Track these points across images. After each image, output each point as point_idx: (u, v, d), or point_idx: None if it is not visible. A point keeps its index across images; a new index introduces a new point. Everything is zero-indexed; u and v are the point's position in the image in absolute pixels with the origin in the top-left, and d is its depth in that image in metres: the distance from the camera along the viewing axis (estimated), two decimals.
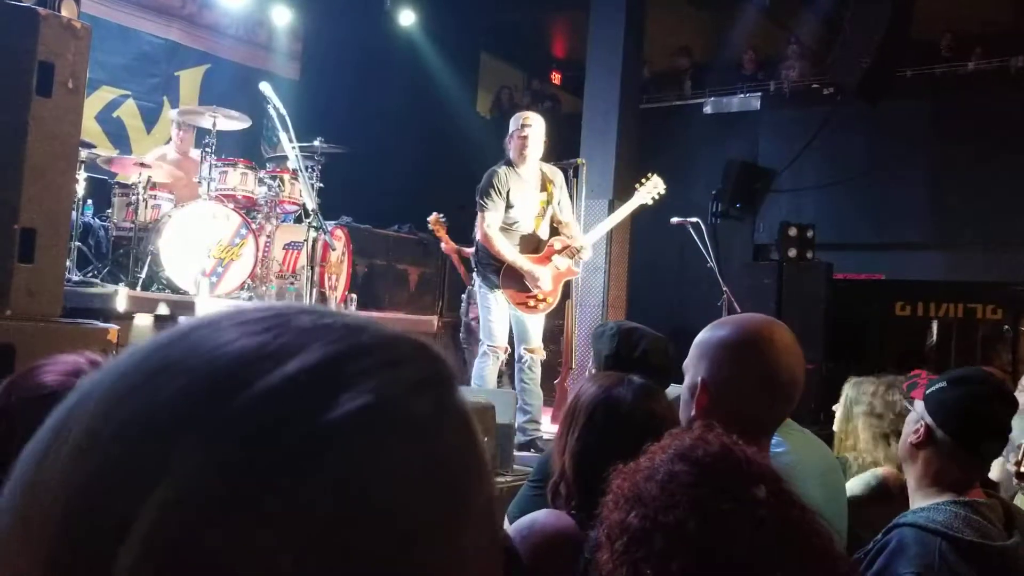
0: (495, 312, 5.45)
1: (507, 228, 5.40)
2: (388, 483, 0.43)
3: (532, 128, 5.39)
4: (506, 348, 5.50)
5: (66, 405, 0.46)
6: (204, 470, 0.41)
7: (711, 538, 1.08)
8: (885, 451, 2.90)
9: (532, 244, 5.50)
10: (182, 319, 0.50)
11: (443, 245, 7.45)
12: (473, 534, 0.47)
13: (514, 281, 5.40)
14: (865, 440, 2.97)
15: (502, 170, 5.39)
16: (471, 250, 7.48)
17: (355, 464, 0.42)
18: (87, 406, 0.45)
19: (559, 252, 5.52)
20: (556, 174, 5.59)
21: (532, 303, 5.44)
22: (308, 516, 0.41)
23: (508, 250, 5.36)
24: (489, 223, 5.34)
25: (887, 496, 2.75)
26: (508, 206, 5.35)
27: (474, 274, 5.62)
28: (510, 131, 5.49)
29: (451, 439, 0.48)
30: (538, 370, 5.55)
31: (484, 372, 5.44)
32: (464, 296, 7.43)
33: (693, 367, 1.84)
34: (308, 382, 0.44)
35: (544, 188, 5.48)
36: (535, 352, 5.51)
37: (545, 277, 5.40)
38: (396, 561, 0.43)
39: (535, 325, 5.52)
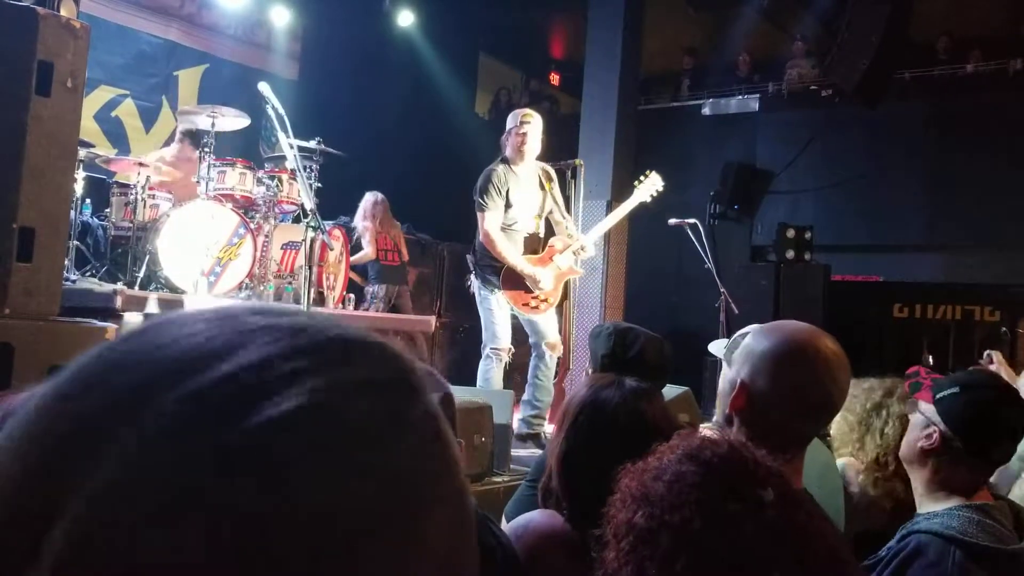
0: (497, 314, 5.35)
1: (507, 228, 5.32)
2: (314, 489, 0.41)
3: (531, 125, 5.32)
4: (510, 349, 5.42)
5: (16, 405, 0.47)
6: (133, 466, 0.40)
7: (717, 539, 1.07)
8: (851, 440, 2.86)
9: (532, 244, 5.44)
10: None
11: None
12: (426, 547, 0.44)
13: (515, 283, 5.31)
14: (841, 432, 2.95)
15: (500, 169, 5.29)
16: (358, 256, 7.61)
17: (278, 468, 0.41)
18: (30, 403, 0.45)
19: (560, 252, 5.45)
20: (550, 172, 5.52)
21: (534, 303, 5.37)
22: (228, 518, 0.40)
23: (509, 252, 5.26)
24: (490, 223, 5.24)
25: (847, 484, 2.71)
26: (507, 205, 5.27)
27: (472, 276, 5.51)
28: (508, 128, 5.40)
29: (399, 445, 0.45)
30: (553, 366, 5.47)
31: (489, 375, 5.35)
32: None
33: (738, 366, 1.82)
34: (239, 383, 0.43)
35: (542, 187, 5.41)
36: (555, 348, 5.44)
37: (547, 278, 5.33)
38: (314, 572, 0.41)
39: (548, 321, 5.45)
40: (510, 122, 5.42)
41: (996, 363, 4.03)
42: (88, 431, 0.42)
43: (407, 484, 0.45)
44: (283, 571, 0.40)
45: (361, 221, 7.82)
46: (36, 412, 0.44)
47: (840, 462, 2.81)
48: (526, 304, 5.36)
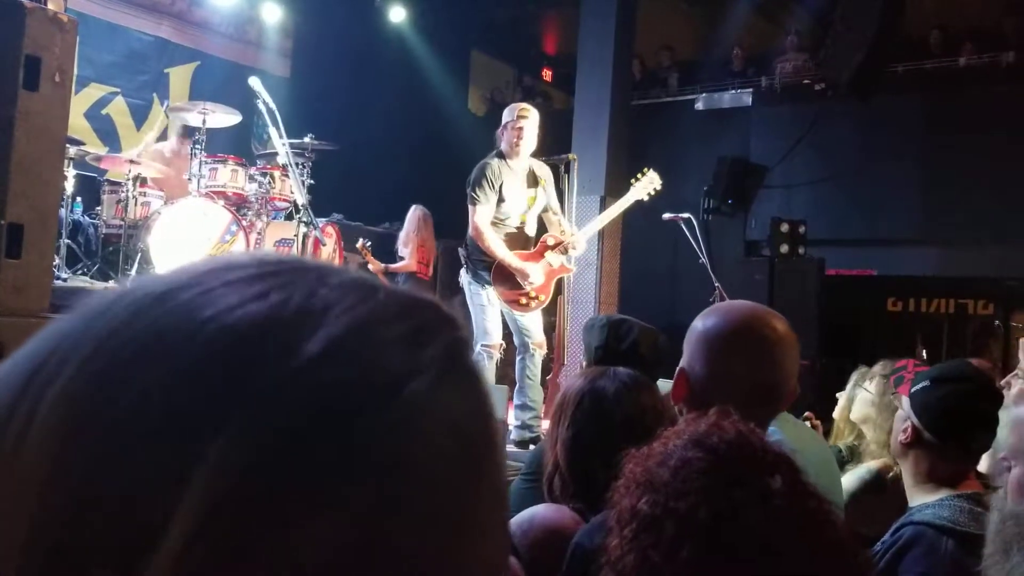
0: (488, 310, 5.27)
1: (498, 222, 5.26)
2: (431, 472, 0.40)
3: (528, 120, 5.23)
4: (501, 345, 5.35)
5: (19, 368, 0.40)
6: (244, 464, 0.36)
7: (722, 526, 1.05)
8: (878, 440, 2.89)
9: (521, 240, 5.37)
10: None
11: (370, 267, 7.59)
12: (493, 517, 0.44)
13: (505, 279, 5.24)
14: (868, 431, 2.96)
15: (494, 162, 5.22)
16: (399, 265, 7.73)
17: (409, 452, 0.39)
18: (60, 377, 0.38)
19: (552, 248, 5.38)
20: (545, 170, 5.45)
21: (524, 300, 5.29)
22: (377, 508, 0.38)
23: (499, 247, 5.19)
24: (480, 217, 5.16)
25: (881, 488, 2.76)
26: (500, 200, 5.21)
27: (463, 271, 5.43)
28: (504, 122, 5.31)
29: (477, 414, 0.44)
30: (539, 364, 5.43)
31: None
32: None
33: (684, 353, 1.77)
34: (347, 355, 0.39)
35: (535, 183, 5.34)
36: (539, 346, 5.38)
37: (537, 273, 5.26)
38: (432, 554, 0.40)
39: (533, 319, 5.39)
40: (506, 116, 5.33)
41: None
42: (179, 419, 0.37)
43: (482, 456, 0.43)
44: (403, 560, 0.39)
45: (409, 232, 7.97)
46: (84, 386, 0.38)
47: (871, 466, 2.84)
48: (516, 301, 5.29)
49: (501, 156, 5.27)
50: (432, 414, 0.40)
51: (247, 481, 0.36)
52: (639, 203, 5.97)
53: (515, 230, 5.34)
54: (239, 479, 0.36)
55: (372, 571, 0.38)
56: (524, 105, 5.43)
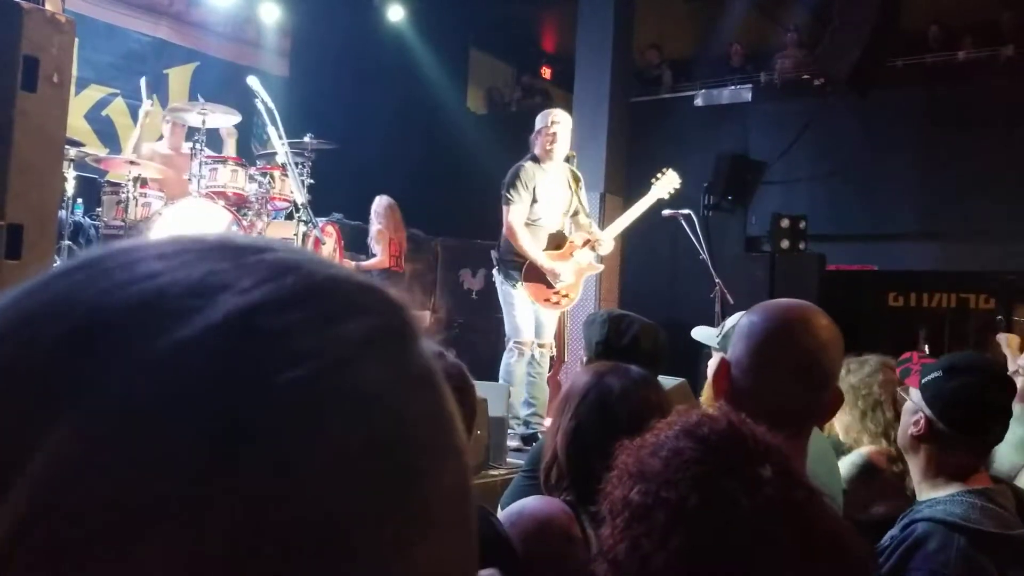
0: (519, 308, 5.45)
1: (531, 224, 5.43)
2: (320, 467, 0.35)
3: (560, 125, 5.48)
4: (533, 342, 5.49)
5: None
6: (74, 455, 0.33)
7: (712, 516, 1.05)
8: (865, 426, 2.87)
9: (555, 241, 5.55)
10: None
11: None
12: (436, 520, 0.39)
13: (536, 277, 5.43)
14: (852, 417, 2.95)
15: (528, 165, 5.43)
16: (371, 262, 7.54)
17: (287, 446, 0.34)
18: None
19: (581, 247, 5.57)
20: (578, 173, 5.69)
21: (554, 299, 5.48)
22: (241, 498, 0.33)
23: (531, 247, 5.37)
24: (514, 217, 5.36)
25: (874, 474, 2.74)
26: (533, 201, 5.39)
27: (495, 271, 5.63)
28: (537, 127, 5.55)
29: (406, 409, 0.39)
30: (546, 364, 5.58)
31: (512, 369, 5.41)
32: None
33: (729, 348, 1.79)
34: (219, 343, 0.35)
35: (569, 187, 5.56)
36: (545, 347, 5.55)
37: (566, 272, 5.44)
38: (316, 555, 0.34)
39: (549, 320, 5.58)
40: (539, 122, 5.57)
41: (1005, 346, 4.04)
42: (36, 382, 0.34)
43: (414, 454, 0.39)
44: (285, 565, 0.34)
45: (380, 226, 7.67)
46: None
47: (862, 451, 2.82)
48: (547, 299, 5.47)
49: (535, 160, 5.48)
50: (326, 401, 0.36)
51: (76, 477, 0.32)
52: (639, 199, 6.00)
53: (550, 231, 5.52)
54: (69, 473, 0.32)
55: None
56: (556, 110, 5.71)
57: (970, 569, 1.84)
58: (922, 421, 2.07)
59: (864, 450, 2.84)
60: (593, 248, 5.61)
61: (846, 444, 2.98)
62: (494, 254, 5.67)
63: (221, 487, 0.33)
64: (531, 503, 1.92)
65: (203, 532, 0.32)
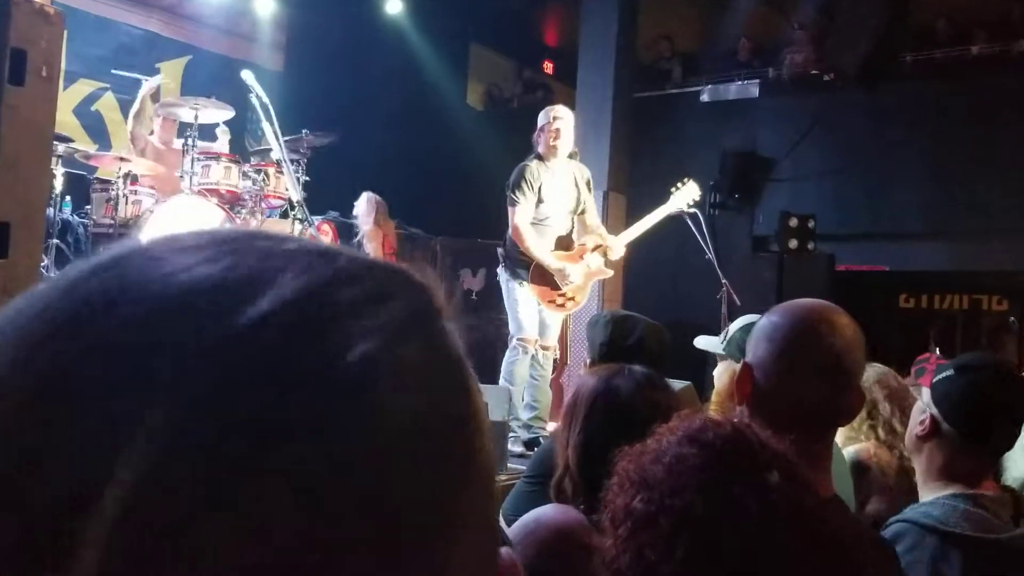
0: (523, 305, 5.41)
1: (538, 223, 5.38)
2: (387, 448, 0.36)
3: (563, 121, 5.42)
4: (536, 340, 5.47)
5: None
6: (175, 430, 0.33)
7: (719, 524, 1.04)
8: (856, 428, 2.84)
9: (563, 242, 5.50)
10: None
11: None
12: (473, 501, 0.41)
13: (543, 278, 5.39)
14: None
15: (533, 164, 5.36)
16: None
17: (359, 417, 0.36)
18: None
19: (592, 251, 5.53)
20: (585, 171, 5.62)
21: (560, 301, 5.44)
22: (321, 478, 0.34)
23: (537, 247, 5.32)
24: (520, 218, 5.30)
25: (863, 471, 2.69)
26: (539, 201, 5.34)
27: (500, 268, 5.58)
28: (539, 125, 5.48)
29: (444, 387, 0.41)
30: (550, 367, 5.56)
31: (514, 367, 5.38)
32: None
33: (748, 351, 1.76)
34: (295, 317, 0.36)
35: (576, 185, 5.49)
36: (549, 349, 5.53)
37: (576, 273, 5.40)
38: (381, 543, 0.36)
39: (554, 322, 5.56)
40: (541, 119, 5.50)
41: None
42: (114, 378, 0.34)
43: (455, 435, 0.40)
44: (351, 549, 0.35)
45: (371, 225, 7.59)
46: (15, 355, 0.35)
47: (849, 449, 2.78)
48: (552, 301, 5.43)
49: (539, 159, 5.41)
50: (386, 377, 0.37)
51: (178, 448, 0.33)
52: (644, 198, 6.09)
53: (557, 231, 5.47)
54: (171, 446, 0.33)
55: (319, 558, 0.34)
56: (557, 107, 5.63)
57: (937, 571, 1.83)
58: (927, 421, 2.03)
59: (852, 448, 2.81)
60: (604, 254, 5.58)
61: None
62: (500, 251, 5.62)
63: (309, 451, 0.34)
64: (547, 512, 1.88)
65: (283, 498, 0.34)
